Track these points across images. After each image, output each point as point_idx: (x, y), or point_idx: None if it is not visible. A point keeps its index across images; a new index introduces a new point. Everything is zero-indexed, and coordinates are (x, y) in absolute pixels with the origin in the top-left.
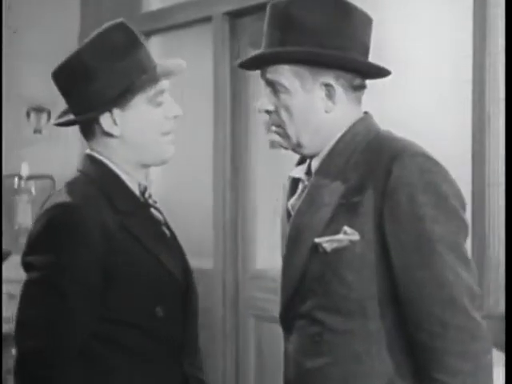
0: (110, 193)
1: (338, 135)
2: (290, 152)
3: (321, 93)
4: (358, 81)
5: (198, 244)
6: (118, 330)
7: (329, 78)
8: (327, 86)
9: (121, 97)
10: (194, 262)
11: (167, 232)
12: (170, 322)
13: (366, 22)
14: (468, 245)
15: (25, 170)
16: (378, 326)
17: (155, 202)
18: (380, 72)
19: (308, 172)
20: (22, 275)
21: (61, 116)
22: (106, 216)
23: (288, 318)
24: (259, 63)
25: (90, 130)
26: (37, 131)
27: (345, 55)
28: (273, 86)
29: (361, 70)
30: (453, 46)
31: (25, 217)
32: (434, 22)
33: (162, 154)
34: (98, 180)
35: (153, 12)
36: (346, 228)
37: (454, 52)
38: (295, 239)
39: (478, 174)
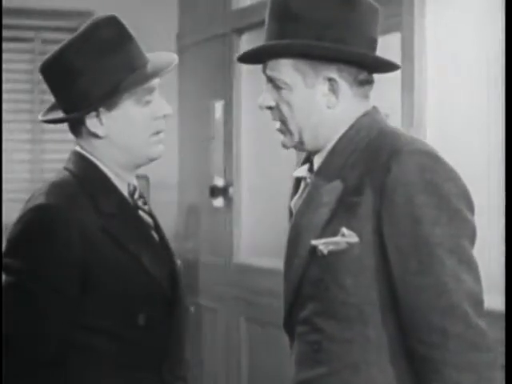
0: (96, 193)
1: (341, 132)
2: None
3: (323, 87)
4: (363, 75)
5: None
6: (95, 337)
7: (331, 72)
8: (330, 80)
9: (107, 97)
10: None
11: (156, 236)
12: (152, 331)
13: (372, 12)
14: None
15: None
16: (379, 333)
17: (145, 204)
18: (387, 66)
19: (311, 169)
20: None
21: (49, 111)
22: (87, 218)
23: (290, 325)
24: (258, 58)
25: (76, 128)
26: None
27: (345, 48)
28: (273, 81)
29: (365, 64)
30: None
31: None
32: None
33: (150, 154)
34: (85, 180)
35: (243, 9)
36: (343, 230)
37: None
38: (294, 241)
39: None
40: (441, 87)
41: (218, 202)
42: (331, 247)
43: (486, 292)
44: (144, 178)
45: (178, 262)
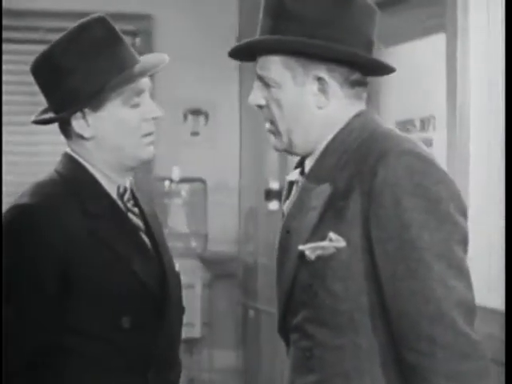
0: (82, 195)
1: (333, 133)
2: None
3: (313, 87)
4: (355, 75)
5: None
6: (79, 339)
7: (321, 71)
8: (320, 79)
9: (92, 97)
10: None
11: (146, 239)
12: (137, 334)
13: (368, 12)
14: None
15: (176, 174)
16: (370, 340)
17: (134, 206)
18: (381, 68)
19: (302, 172)
20: (189, 279)
21: (43, 112)
22: (72, 219)
23: (284, 331)
24: (249, 54)
25: (66, 129)
26: (194, 134)
27: (335, 46)
28: (263, 79)
29: (356, 64)
30: None
31: (176, 220)
32: None
33: (140, 156)
34: (72, 181)
35: None
36: (331, 234)
37: None
38: (285, 245)
39: None
40: (484, 88)
41: (273, 205)
42: (318, 252)
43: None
44: (201, 181)
45: (176, 265)
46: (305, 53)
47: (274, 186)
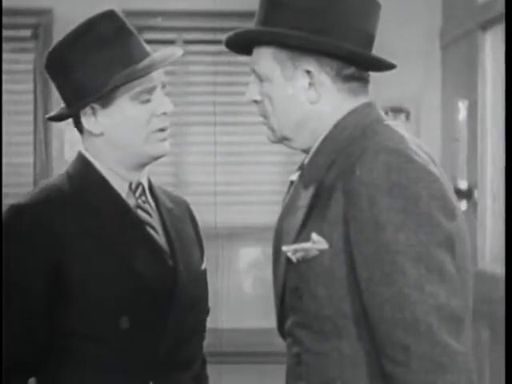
0: (85, 193)
1: (327, 130)
2: None
3: (304, 81)
4: (349, 70)
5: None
6: (78, 341)
7: (311, 64)
8: (309, 73)
9: (97, 93)
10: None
11: (155, 235)
12: (138, 334)
13: (366, 5)
14: None
15: None
16: (355, 348)
17: (144, 203)
18: (376, 63)
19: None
20: None
21: (62, 109)
22: (69, 219)
23: (282, 336)
24: (241, 46)
25: (79, 126)
26: None
27: (317, 39)
28: (255, 73)
29: (346, 58)
30: None
31: None
32: None
33: (152, 153)
34: (77, 179)
35: (489, 2)
36: (313, 235)
37: None
38: (276, 247)
39: None
40: None
41: (462, 205)
42: (300, 254)
43: None
44: None
45: (201, 263)
46: (285, 44)
47: (463, 185)
